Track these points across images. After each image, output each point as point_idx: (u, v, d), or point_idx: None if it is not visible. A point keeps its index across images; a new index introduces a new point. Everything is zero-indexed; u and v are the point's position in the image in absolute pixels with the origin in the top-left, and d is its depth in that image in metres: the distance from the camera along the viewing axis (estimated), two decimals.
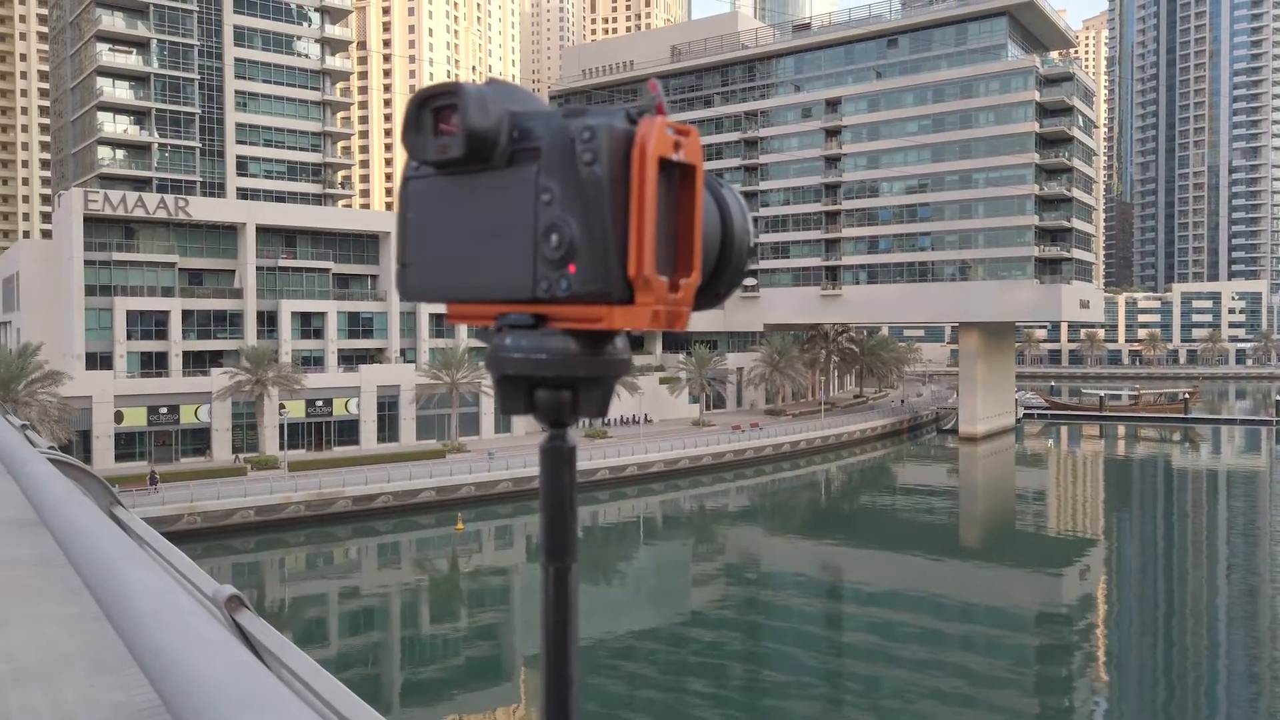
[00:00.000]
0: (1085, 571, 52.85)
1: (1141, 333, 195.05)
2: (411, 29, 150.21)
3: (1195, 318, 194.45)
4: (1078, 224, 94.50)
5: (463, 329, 79.32)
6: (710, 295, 1.23)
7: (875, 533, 61.36)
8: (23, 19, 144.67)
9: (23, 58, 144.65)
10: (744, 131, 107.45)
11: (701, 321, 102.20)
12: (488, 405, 75.72)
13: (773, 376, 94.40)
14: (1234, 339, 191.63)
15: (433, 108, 1.11)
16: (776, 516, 66.01)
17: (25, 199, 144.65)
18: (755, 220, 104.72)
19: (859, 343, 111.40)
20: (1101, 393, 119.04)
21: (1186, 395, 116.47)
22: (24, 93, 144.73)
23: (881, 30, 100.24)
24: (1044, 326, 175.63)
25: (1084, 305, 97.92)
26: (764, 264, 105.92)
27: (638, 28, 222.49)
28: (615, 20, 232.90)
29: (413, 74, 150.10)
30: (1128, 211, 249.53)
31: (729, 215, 1.23)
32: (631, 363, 1.13)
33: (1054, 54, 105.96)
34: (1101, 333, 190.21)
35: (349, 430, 69.25)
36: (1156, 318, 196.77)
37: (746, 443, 77.88)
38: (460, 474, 60.23)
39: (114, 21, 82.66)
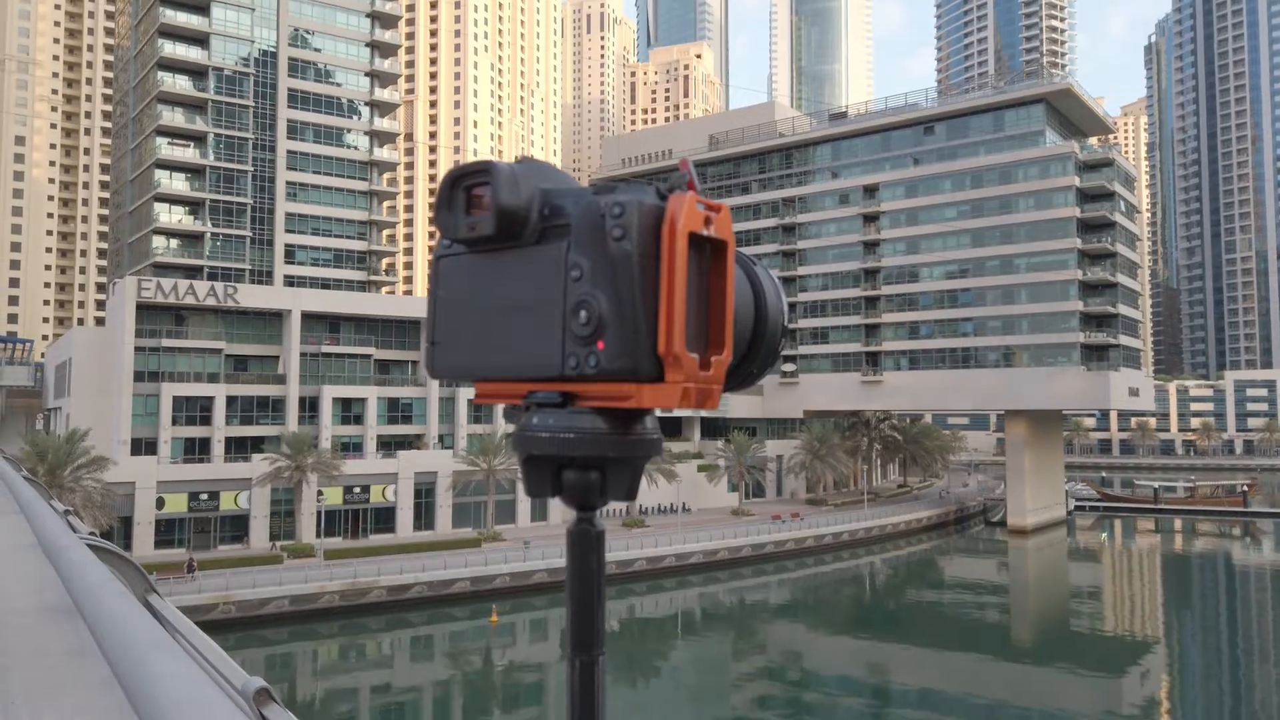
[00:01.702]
0: (1146, 675, 50.21)
1: (1194, 421, 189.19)
2: (457, 120, 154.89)
3: (1250, 406, 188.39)
4: (1123, 309, 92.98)
5: (499, 412, 79.40)
6: (744, 375, 1.23)
7: (923, 630, 59.03)
8: (88, 115, 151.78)
9: (86, 152, 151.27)
10: (781, 217, 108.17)
11: (740, 408, 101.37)
12: (524, 493, 75.08)
13: (813, 465, 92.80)
14: None
15: (465, 186, 1.13)
16: (819, 612, 63.92)
17: (82, 287, 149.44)
18: (793, 305, 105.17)
19: (902, 430, 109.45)
20: (1156, 484, 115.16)
21: (1245, 487, 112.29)
22: (85, 185, 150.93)
23: (918, 118, 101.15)
24: (1093, 415, 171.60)
25: (1133, 393, 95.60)
26: (803, 349, 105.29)
27: (676, 118, 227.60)
28: (654, 111, 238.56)
29: (457, 164, 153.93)
30: (1175, 297, 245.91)
31: (762, 294, 1.22)
32: (662, 443, 1.13)
33: (1093, 140, 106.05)
34: (1153, 421, 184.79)
35: (385, 518, 68.90)
36: (1209, 406, 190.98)
37: (787, 533, 76.11)
38: (495, 564, 59.33)
39: (174, 117, 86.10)
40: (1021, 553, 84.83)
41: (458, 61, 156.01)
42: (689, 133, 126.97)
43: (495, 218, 1.09)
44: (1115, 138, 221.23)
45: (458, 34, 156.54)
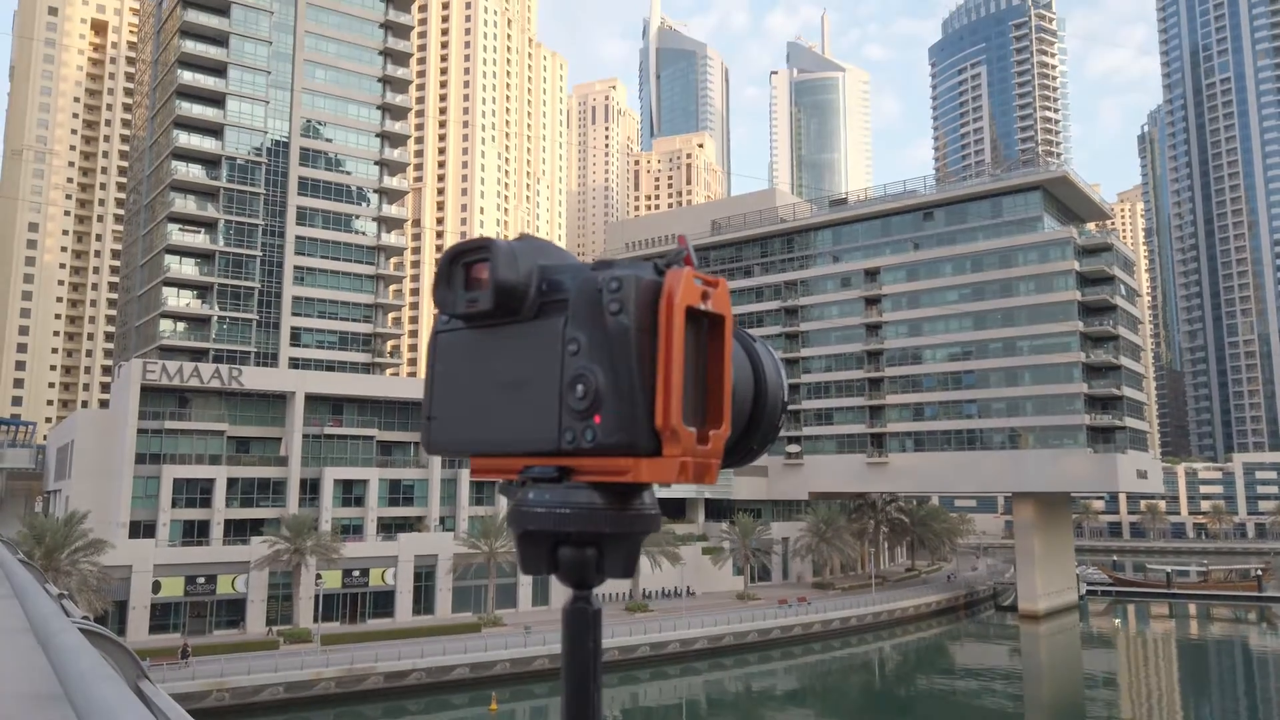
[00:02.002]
0: None
1: (1204, 504, 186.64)
2: (464, 206, 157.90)
3: (1260, 489, 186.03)
4: (1128, 391, 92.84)
5: (502, 497, 78.69)
6: (744, 451, 1.24)
7: (935, 719, 57.31)
8: (101, 202, 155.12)
9: (98, 238, 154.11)
10: (784, 300, 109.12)
11: (745, 489, 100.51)
12: (525, 577, 73.93)
13: (820, 547, 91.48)
14: None
15: (464, 262, 1.15)
16: (828, 700, 62.20)
17: (87, 370, 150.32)
18: (796, 387, 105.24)
19: (909, 512, 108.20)
20: (1168, 568, 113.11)
21: (1260, 572, 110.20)
22: (95, 270, 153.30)
23: (918, 204, 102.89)
24: (1101, 497, 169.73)
25: (1142, 475, 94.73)
26: (807, 430, 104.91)
27: (679, 204, 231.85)
28: (658, 197, 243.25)
29: None
30: (1179, 380, 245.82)
31: (762, 370, 1.25)
32: (660, 520, 1.13)
33: (1090, 225, 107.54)
34: (1163, 504, 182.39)
35: (384, 601, 67.74)
36: (1219, 489, 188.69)
37: (794, 618, 74.57)
38: (495, 650, 58.04)
39: (186, 204, 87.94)
40: (1034, 638, 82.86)
41: (465, 150, 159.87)
42: (692, 218, 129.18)
43: (494, 293, 1.09)
44: (1112, 223, 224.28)
45: (466, 124, 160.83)
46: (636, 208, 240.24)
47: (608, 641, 61.99)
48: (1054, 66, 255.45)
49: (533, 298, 1.10)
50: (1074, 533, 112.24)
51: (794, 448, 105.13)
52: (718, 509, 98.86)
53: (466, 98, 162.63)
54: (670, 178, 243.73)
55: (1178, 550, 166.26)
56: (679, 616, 70.23)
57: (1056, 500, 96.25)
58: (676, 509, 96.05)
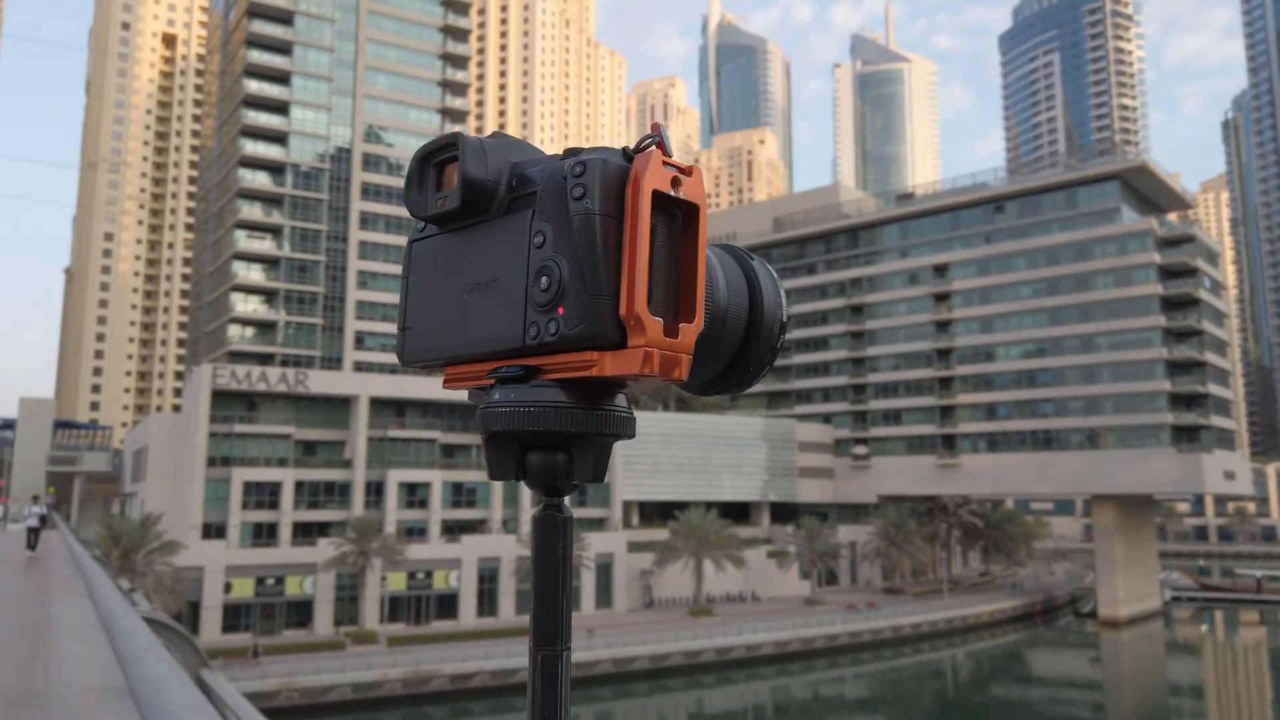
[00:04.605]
0: None
1: None
2: None
3: None
4: (1214, 389, 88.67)
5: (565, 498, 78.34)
6: (740, 374, 1.21)
7: None
8: (173, 211, 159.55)
9: (170, 246, 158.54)
10: (849, 298, 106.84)
11: (810, 492, 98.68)
12: (589, 580, 73.46)
13: (889, 552, 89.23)
14: None
15: (435, 163, 1.11)
16: (900, 708, 60.42)
17: (161, 376, 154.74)
18: (863, 387, 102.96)
19: (982, 516, 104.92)
20: (1259, 573, 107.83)
21: None
22: (168, 278, 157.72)
23: (988, 196, 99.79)
24: (1186, 499, 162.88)
25: (1229, 476, 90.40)
26: (875, 431, 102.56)
27: (740, 202, 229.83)
28: (719, 195, 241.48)
29: None
30: (1269, 376, 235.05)
31: (758, 289, 1.20)
32: (633, 423, 1.10)
33: (1171, 216, 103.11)
34: (1252, 506, 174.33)
35: (448, 604, 67.85)
36: None
37: (863, 624, 72.69)
38: None
39: (253, 211, 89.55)
40: (1115, 646, 79.54)
41: None
42: (753, 216, 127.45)
43: (462, 190, 1.07)
44: (1195, 214, 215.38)
45: (525, 126, 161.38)
46: None
47: (672, 645, 61.14)
48: (1130, 52, 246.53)
49: (503, 194, 1.08)
50: (1157, 536, 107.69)
51: (861, 449, 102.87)
52: (783, 512, 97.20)
53: (525, 99, 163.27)
54: (731, 175, 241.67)
55: (1268, 554, 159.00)
56: (744, 621, 69.00)
57: (1138, 503, 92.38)
58: (740, 512, 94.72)
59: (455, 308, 1.10)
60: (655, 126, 1.05)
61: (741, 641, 64.84)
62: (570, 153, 1.05)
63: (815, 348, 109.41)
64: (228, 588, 61.68)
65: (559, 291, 0.99)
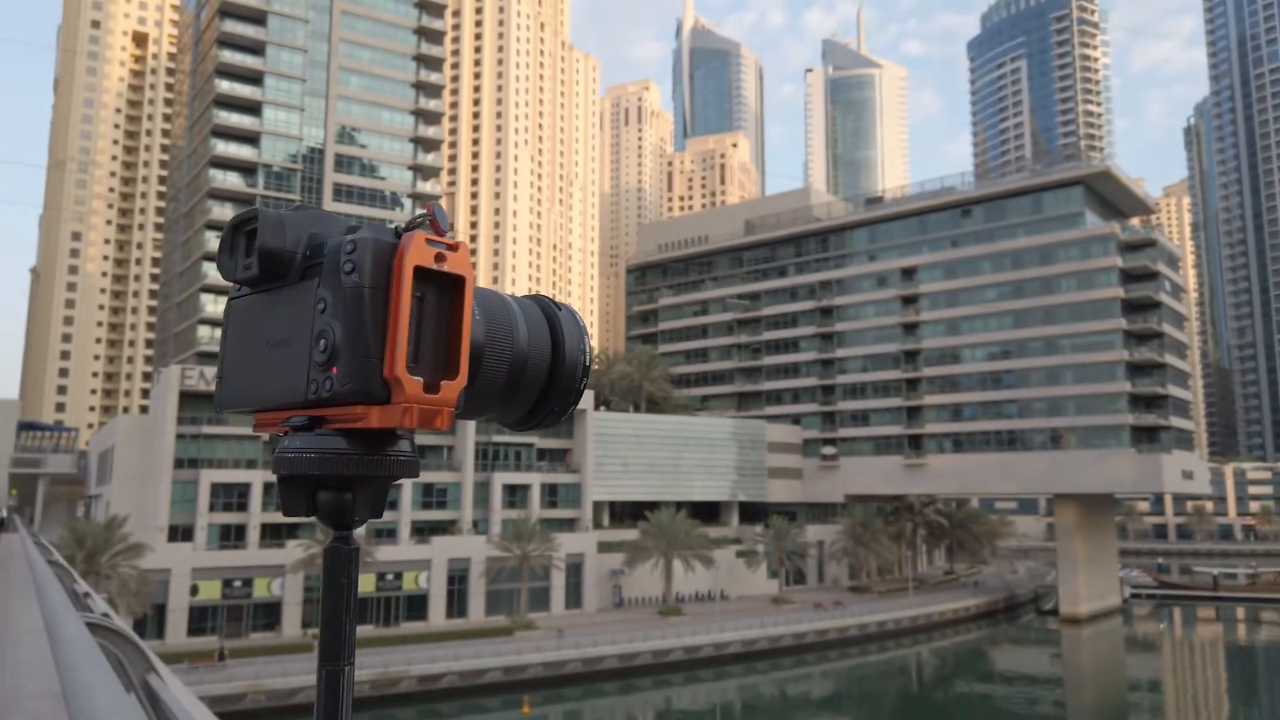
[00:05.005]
0: None
1: (1253, 505, 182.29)
2: (497, 210, 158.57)
3: None
4: (1174, 390, 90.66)
5: (536, 499, 78.80)
6: (545, 412, 1.39)
7: None
8: (142, 211, 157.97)
9: (139, 246, 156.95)
10: (819, 300, 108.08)
11: (779, 492, 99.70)
12: (559, 580, 73.96)
13: (856, 551, 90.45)
14: None
15: (244, 231, 1.28)
16: (865, 705, 61.39)
17: (128, 377, 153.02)
18: (831, 388, 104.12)
19: (947, 515, 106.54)
20: (1215, 571, 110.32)
21: None
22: (136, 278, 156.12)
23: (955, 201, 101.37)
24: (1146, 499, 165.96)
25: (1187, 476, 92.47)
26: (843, 432, 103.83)
27: (713, 204, 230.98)
28: (691, 198, 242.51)
29: (497, 252, 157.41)
30: (1227, 378, 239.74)
31: (560, 335, 1.38)
32: (413, 466, 1.25)
33: (1134, 220, 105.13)
34: (1210, 505, 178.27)
35: (417, 605, 68.05)
36: (1269, 489, 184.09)
37: (829, 622, 73.71)
38: (528, 653, 58.02)
39: (223, 211, 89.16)
40: (1076, 642, 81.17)
41: (499, 154, 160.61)
42: (725, 218, 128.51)
43: (259, 259, 1.23)
44: (1157, 218, 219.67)
45: (499, 128, 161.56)
46: (670, 209, 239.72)
47: (641, 645, 61.75)
48: (1096, 59, 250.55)
49: (299, 262, 1.23)
50: (1118, 535, 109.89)
51: (829, 449, 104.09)
52: (752, 512, 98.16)
53: (499, 101, 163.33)
54: (704, 178, 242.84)
55: (1225, 552, 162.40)
56: (712, 620, 69.77)
57: (1099, 502, 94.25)
58: (709, 512, 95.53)
59: (260, 362, 1.26)
60: (430, 206, 1.24)
61: (709, 640, 65.59)
62: (351, 229, 1.23)
63: (785, 349, 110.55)
64: (194, 590, 61.51)
65: (333, 353, 1.15)
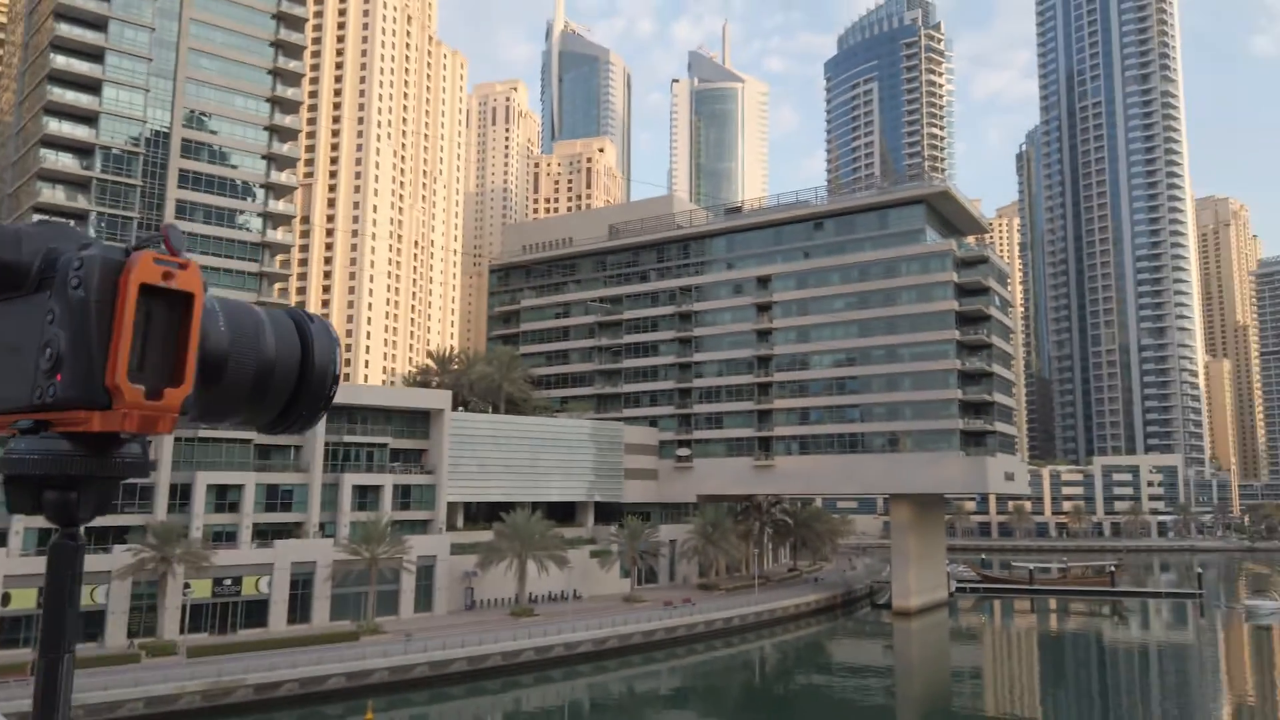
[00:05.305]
0: None
1: (1066, 505, 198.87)
2: (356, 204, 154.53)
3: (1116, 490, 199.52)
4: (999, 398, 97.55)
5: (387, 500, 77.49)
6: (295, 417, 1.50)
7: (812, 715, 59.24)
8: None
9: None
10: (679, 305, 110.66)
11: (635, 492, 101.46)
12: (409, 583, 73.08)
13: (706, 549, 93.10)
14: (1154, 511, 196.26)
15: None
16: (709, 700, 63.45)
17: None
18: (688, 391, 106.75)
19: (793, 514, 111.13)
20: (1031, 565, 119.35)
21: (1113, 568, 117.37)
22: None
23: (808, 214, 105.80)
24: (973, 499, 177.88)
25: (1009, 478, 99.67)
26: (698, 434, 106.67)
27: (578, 208, 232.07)
28: (557, 200, 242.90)
29: (354, 247, 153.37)
30: (1047, 387, 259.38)
31: (311, 345, 1.49)
32: (141, 467, 1.39)
33: (970, 239, 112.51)
34: (1029, 505, 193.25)
35: (257, 611, 65.84)
36: (1080, 490, 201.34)
37: (678, 619, 75.75)
38: (374, 658, 57.19)
39: (55, 194, 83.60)
40: (906, 634, 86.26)
41: (359, 147, 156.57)
42: (590, 222, 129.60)
43: None
44: (990, 237, 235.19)
45: (361, 120, 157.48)
46: (535, 210, 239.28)
47: (491, 646, 61.84)
48: (941, 85, 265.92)
49: (34, 274, 1.35)
50: (946, 533, 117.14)
51: (684, 451, 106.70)
52: (608, 512, 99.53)
53: (363, 94, 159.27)
54: (570, 181, 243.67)
55: (1041, 548, 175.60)
56: (564, 620, 70.54)
57: (931, 501, 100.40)
58: (566, 512, 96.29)
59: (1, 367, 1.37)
60: (164, 228, 1.37)
61: (560, 640, 66.31)
62: (84, 245, 1.36)
63: (645, 353, 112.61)
64: (6, 599, 57.58)
65: (57, 361, 1.26)
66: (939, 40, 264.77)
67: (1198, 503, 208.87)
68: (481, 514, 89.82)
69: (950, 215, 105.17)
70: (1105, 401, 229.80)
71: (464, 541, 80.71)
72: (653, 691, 65.78)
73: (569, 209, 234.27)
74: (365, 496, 77.03)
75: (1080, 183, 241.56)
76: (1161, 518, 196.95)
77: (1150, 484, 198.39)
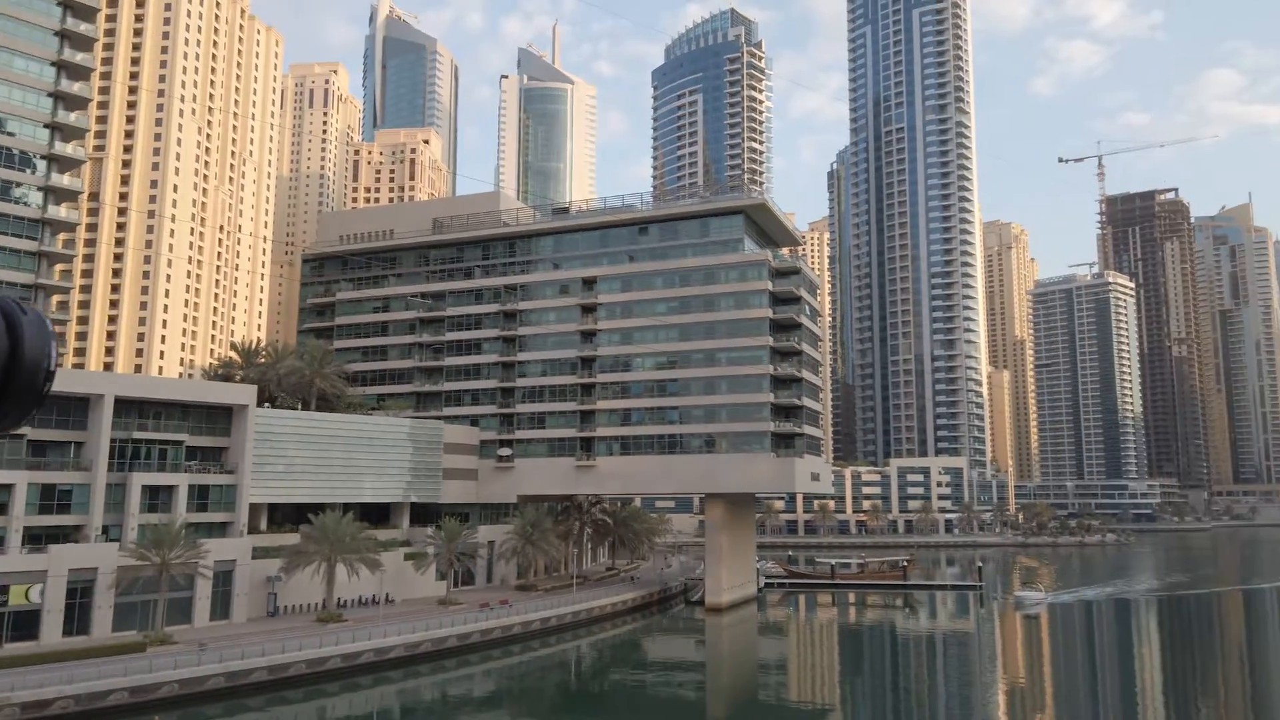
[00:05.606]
0: None
1: (865, 504, 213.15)
2: (154, 183, 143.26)
3: (910, 490, 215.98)
4: (808, 402, 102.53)
5: (182, 501, 72.11)
6: (1, 414, 1.45)
7: (626, 712, 59.93)
8: None
9: None
10: (503, 304, 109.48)
11: (454, 493, 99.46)
12: (204, 589, 68.41)
13: (525, 550, 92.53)
14: (943, 510, 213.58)
15: None
16: (524, 701, 63.01)
17: None
18: (511, 390, 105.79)
19: (612, 514, 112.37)
20: (833, 561, 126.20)
21: (905, 563, 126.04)
22: None
23: (634, 218, 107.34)
24: (781, 498, 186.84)
25: (815, 478, 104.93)
26: (520, 434, 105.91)
27: (401, 199, 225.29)
28: (378, 190, 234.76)
29: (150, 229, 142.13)
30: (851, 393, 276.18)
31: (20, 341, 1.44)
32: None
33: (784, 250, 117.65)
34: (832, 504, 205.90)
35: (27, 622, 59.70)
36: (878, 490, 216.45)
37: (494, 621, 74.83)
38: (162, 670, 53.06)
39: None
40: (717, 630, 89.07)
41: (160, 122, 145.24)
42: (413, 214, 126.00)
43: None
44: (803, 249, 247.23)
45: (161, 94, 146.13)
46: (354, 199, 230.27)
47: (295, 655, 58.81)
48: (761, 101, 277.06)
49: None
50: (757, 531, 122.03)
51: (506, 450, 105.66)
52: (425, 513, 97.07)
53: (164, 64, 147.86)
54: (393, 172, 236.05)
55: (843, 545, 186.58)
56: (375, 625, 68.12)
57: (743, 501, 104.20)
58: (380, 514, 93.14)
59: None
60: None
61: (370, 646, 63.95)
62: None
63: (467, 351, 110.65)
64: None
65: None
66: (760, 58, 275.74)
67: (979, 502, 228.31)
68: (289, 516, 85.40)
69: (767, 227, 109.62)
70: (902, 407, 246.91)
71: (268, 545, 76.43)
72: (466, 695, 64.64)
73: (391, 200, 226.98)
74: (157, 497, 71.46)
75: (884, 202, 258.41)
76: (949, 515, 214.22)
77: (939, 484, 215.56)
